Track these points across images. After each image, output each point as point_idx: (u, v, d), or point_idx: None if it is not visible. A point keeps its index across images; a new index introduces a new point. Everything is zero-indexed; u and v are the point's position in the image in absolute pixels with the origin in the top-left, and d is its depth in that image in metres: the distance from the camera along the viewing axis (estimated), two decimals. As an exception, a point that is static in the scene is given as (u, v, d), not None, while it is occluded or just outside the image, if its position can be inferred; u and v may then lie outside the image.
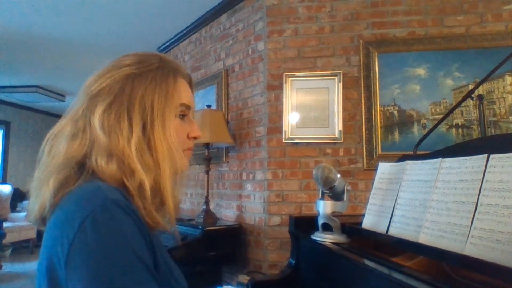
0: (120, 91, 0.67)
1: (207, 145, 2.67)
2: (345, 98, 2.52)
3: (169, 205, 0.67)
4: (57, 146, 0.66)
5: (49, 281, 0.55)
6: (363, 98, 2.50)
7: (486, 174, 0.79)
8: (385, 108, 2.50)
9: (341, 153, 2.50)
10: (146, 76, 0.69)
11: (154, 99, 0.68)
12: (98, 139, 0.63)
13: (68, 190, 0.60)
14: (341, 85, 2.52)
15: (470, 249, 0.75)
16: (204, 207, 2.68)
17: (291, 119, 2.57)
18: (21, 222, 5.79)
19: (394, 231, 1.00)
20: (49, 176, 0.62)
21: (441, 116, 2.20)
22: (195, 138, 0.78)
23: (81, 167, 0.63)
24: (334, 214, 1.20)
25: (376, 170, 1.23)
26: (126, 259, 0.53)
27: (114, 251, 0.52)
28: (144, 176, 0.63)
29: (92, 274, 0.51)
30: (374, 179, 1.21)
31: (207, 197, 2.73)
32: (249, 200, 2.71)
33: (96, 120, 0.64)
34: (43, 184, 0.62)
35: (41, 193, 0.62)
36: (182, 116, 0.75)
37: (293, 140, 2.55)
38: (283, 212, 2.51)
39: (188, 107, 0.75)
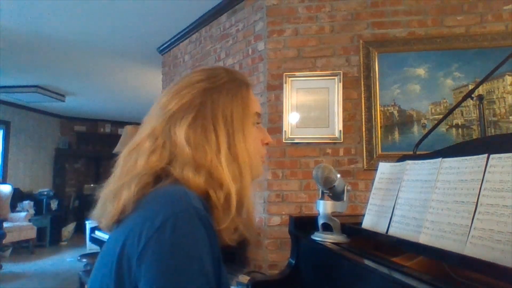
0: (201, 106, 0.69)
1: (207, 145, 2.67)
2: (345, 98, 2.52)
3: (250, 213, 0.69)
4: (135, 160, 0.67)
5: (117, 274, 0.56)
6: (363, 98, 2.50)
7: (486, 174, 0.79)
8: (385, 108, 2.50)
9: (341, 153, 2.50)
10: (222, 89, 0.72)
11: (234, 110, 0.71)
12: (183, 154, 0.65)
13: (148, 191, 0.62)
14: (341, 85, 2.52)
15: (470, 249, 0.75)
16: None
17: (291, 119, 2.57)
18: (21, 222, 5.80)
19: (394, 231, 1.00)
20: (131, 181, 0.63)
21: (441, 116, 2.20)
22: (267, 144, 0.82)
23: (161, 174, 0.64)
24: (334, 214, 1.20)
25: (376, 170, 1.23)
26: (194, 270, 0.54)
27: (184, 259, 0.54)
28: (233, 188, 0.65)
29: (158, 274, 0.53)
30: (374, 179, 1.21)
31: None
32: (249, 200, 2.71)
33: (181, 135, 0.66)
34: (123, 188, 0.63)
35: (119, 197, 0.63)
36: (257, 124, 0.78)
37: (293, 140, 2.55)
38: (283, 212, 2.51)
39: (259, 115, 0.79)
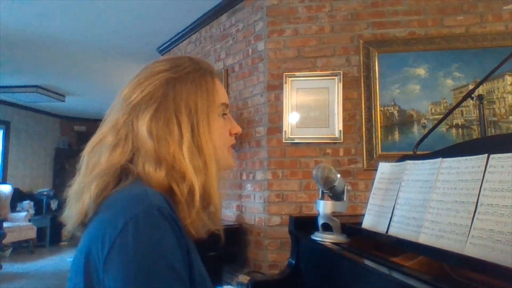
0: (163, 97, 0.67)
1: (207, 145, 2.67)
2: (345, 98, 2.52)
3: (217, 205, 0.68)
4: (98, 156, 0.65)
5: (85, 277, 0.55)
6: (363, 98, 2.50)
7: (486, 174, 0.79)
8: (385, 108, 2.50)
9: (341, 153, 2.50)
10: (185, 79, 0.70)
11: (198, 101, 0.69)
12: (145, 147, 0.63)
13: (109, 193, 0.61)
14: (341, 85, 2.52)
15: (470, 249, 0.75)
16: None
17: (291, 119, 2.57)
18: (21, 222, 5.80)
19: (394, 231, 1.00)
20: (91, 182, 0.62)
21: (441, 116, 2.20)
22: (236, 134, 0.79)
23: (121, 173, 0.63)
24: (334, 214, 1.20)
25: (376, 170, 1.23)
26: (162, 268, 0.53)
27: (151, 258, 0.53)
28: (196, 180, 0.63)
29: (126, 277, 0.52)
30: (374, 179, 1.21)
31: (207, 197, 2.73)
32: (249, 200, 2.71)
33: (143, 128, 0.64)
34: (84, 190, 0.62)
35: (82, 199, 0.62)
36: (223, 115, 0.76)
37: (293, 140, 2.55)
38: (283, 212, 2.51)
39: (227, 106, 0.76)
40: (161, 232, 0.55)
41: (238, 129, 0.79)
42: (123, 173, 0.63)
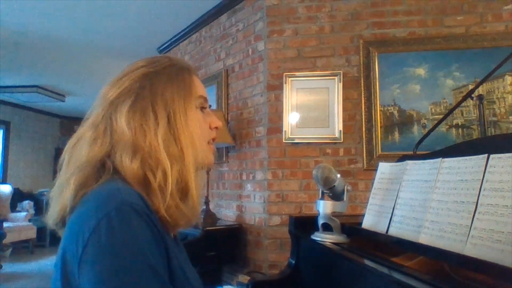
0: (140, 89, 0.69)
1: (207, 145, 2.67)
2: (345, 98, 2.52)
3: (193, 195, 0.68)
4: (78, 152, 0.66)
5: (63, 278, 0.55)
6: (363, 98, 2.50)
7: (486, 174, 0.79)
8: (385, 108, 2.50)
9: (341, 153, 2.50)
10: (162, 73, 0.72)
11: (174, 92, 0.70)
12: (123, 138, 0.64)
13: (88, 189, 0.61)
14: (341, 85, 2.52)
15: (470, 249, 0.75)
16: (204, 207, 2.68)
17: (291, 119, 2.57)
18: (21, 222, 5.80)
19: (394, 231, 1.00)
20: (70, 177, 0.62)
21: (441, 116, 2.20)
22: (216, 128, 0.81)
23: (101, 167, 0.63)
24: (334, 214, 1.20)
25: (376, 170, 1.23)
26: (137, 266, 0.53)
27: (125, 257, 0.52)
28: (169, 166, 0.64)
29: (101, 276, 0.51)
30: (374, 179, 1.21)
31: (207, 197, 2.73)
32: (249, 200, 2.71)
33: (121, 120, 0.65)
34: (64, 186, 0.63)
35: (62, 195, 0.63)
36: (202, 109, 0.77)
37: (293, 140, 2.55)
38: (283, 212, 2.51)
39: (205, 99, 0.78)
40: (135, 229, 0.54)
41: (218, 123, 0.81)
42: (102, 168, 0.63)
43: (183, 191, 0.66)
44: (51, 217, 0.65)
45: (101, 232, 0.53)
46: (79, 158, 0.65)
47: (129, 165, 0.62)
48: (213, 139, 0.81)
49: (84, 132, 0.68)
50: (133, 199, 0.57)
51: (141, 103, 0.67)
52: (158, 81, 0.70)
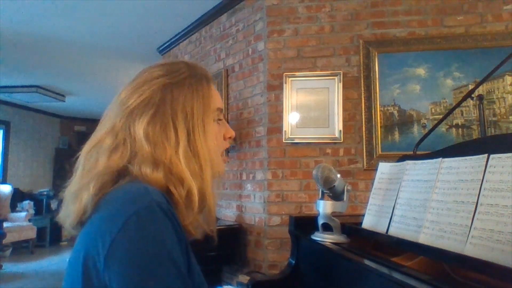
0: (161, 102, 0.68)
1: (207, 145, 2.67)
2: (345, 98, 2.52)
3: (211, 208, 0.70)
4: (95, 158, 0.66)
5: (84, 276, 0.56)
6: (363, 98, 2.50)
7: (486, 174, 0.79)
8: (385, 108, 2.50)
9: (341, 153, 2.50)
10: (182, 84, 0.71)
11: (194, 106, 0.70)
12: (142, 151, 0.64)
13: (107, 191, 0.62)
14: (341, 85, 2.52)
15: (470, 249, 0.75)
16: (204, 207, 2.68)
17: (291, 119, 2.57)
18: (21, 222, 5.79)
19: (394, 231, 1.00)
20: (89, 182, 0.62)
21: (441, 116, 2.20)
22: (230, 138, 0.81)
23: (119, 175, 0.64)
24: (334, 214, 1.20)
25: (376, 170, 1.23)
26: (163, 262, 0.54)
27: (153, 253, 0.54)
28: (193, 184, 0.65)
29: (129, 271, 0.53)
30: (374, 179, 1.21)
31: (207, 197, 2.73)
32: (249, 200, 2.71)
33: (140, 132, 0.66)
34: (82, 189, 0.63)
35: (80, 197, 0.63)
36: (218, 121, 0.78)
37: (293, 140, 2.55)
38: (283, 212, 2.51)
39: (221, 110, 0.79)
40: (162, 227, 0.56)
41: (232, 133, 0.82)
42: (121, 174, 0.64)
43: (201, 205, 0.68)
44: (67, 219, 0.66)
45: (130, 228, 0.54)
46: (97, 164, 0.65)
47: (151, 174, 0.63)
48: (227, 149, 0.82)
49: (102, 138, 0.68)
50: (160, 199, 0.59)
51: (161, 117, 0.67)
52: (178, 94, 0.70)
